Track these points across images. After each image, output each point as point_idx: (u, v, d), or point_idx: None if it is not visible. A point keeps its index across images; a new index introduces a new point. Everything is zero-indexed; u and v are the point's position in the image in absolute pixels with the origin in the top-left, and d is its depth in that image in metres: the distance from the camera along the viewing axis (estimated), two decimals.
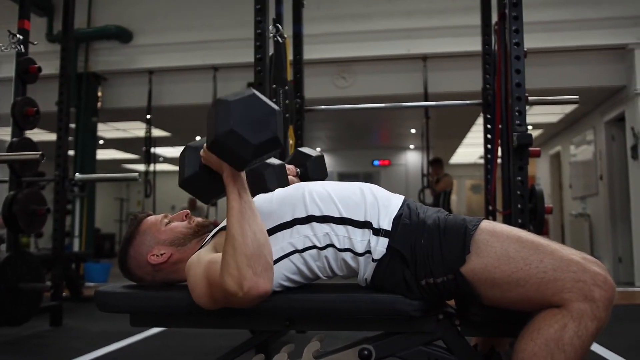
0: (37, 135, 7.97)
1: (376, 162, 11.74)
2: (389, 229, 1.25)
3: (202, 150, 1.23)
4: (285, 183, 1.53)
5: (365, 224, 1.26)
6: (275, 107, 1.15)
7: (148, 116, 7.11)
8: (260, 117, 1.11)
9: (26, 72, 3.89)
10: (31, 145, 3.68)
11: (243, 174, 1.19)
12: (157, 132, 8.62)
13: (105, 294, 1.38)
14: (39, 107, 3.75)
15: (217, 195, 1.29)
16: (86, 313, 4.36)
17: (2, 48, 3.93)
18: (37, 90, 3.91)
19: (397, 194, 1.36)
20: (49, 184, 4.16)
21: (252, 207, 1.17)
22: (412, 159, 11.47)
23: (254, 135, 1.09)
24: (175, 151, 11.65)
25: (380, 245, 1.23)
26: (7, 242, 3.53)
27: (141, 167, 8.27)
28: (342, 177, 11.69)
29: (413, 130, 9.70)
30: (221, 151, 1.13)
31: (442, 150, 10.30)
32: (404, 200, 1.33)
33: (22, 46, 3.93)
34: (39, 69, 3.94)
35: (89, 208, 6.66)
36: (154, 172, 7.59)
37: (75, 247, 5.71)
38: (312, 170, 1.78)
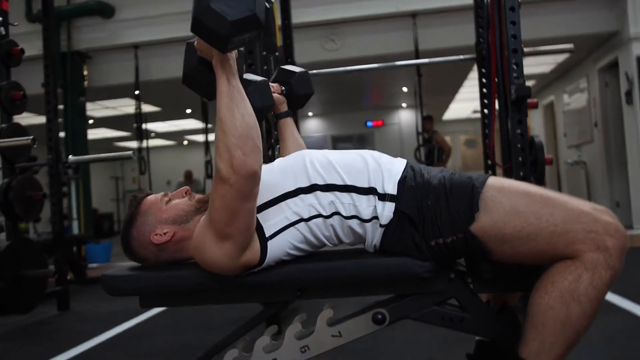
0: (25, 119, 7.86)
1: (369, 123, 11.67)
2: (395, 192, 1.23)
3: (195, 42, 1.21)
4: (269, 101, 1.50)
5: (369, 190, 1.25)
6: None
7: (136, 92, 7.01)
8: None
9: (9, 55, 3.79)
10: (21, 130, 3.62)
11: (232, 60, 1.17)
12: (147, 108, 8.52)
13: (113, 278, 1.36)
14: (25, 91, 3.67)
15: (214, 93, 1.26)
16: (92, 295, 4.39)
17: None
18: (20, 73, 3.82)
19: (399, 158, 1.34)
20: (42, 168, 4.11)
21: (241, 92, 1.16)
22: (406, 117, 11.42)
23: (231, 10, 1.07)
24: (166, 126, 11.57)
25: (387, 210, 1.22)
26: (7, 230, 3.51)
27: (133, 144, 8.19)
28: (336, 140, 11.65)
29: (405, 89, 9.62)
30: (201, 31, 1.11)
31: (435, 107, 10.24)
32: (407, 163, 1.31)
33: (2, 28, 3.83)
34: (22, 51, 3.84)
35: (85, 189, 6.62)
36: (147, 149, 7.53)
37: (75, 230, 5.69)
38: (297, 87, 1.74)
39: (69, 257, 4.45)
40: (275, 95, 1.64)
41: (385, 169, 1.27)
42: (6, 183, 3.33)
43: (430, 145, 7.19)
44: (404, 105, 11.40)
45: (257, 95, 1.43)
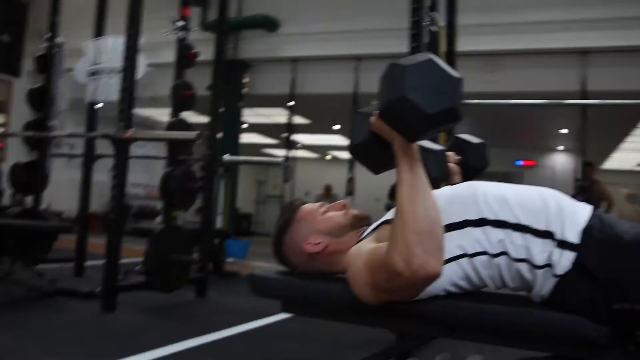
0: (187, 117, 8.57)
1: (519, 162, 11.08)
2: (576, 241, 1.10)
3: (372, 118, 1.17)
4: (445, 171, 1.43)
5: (546, 234, 1.13)
6: (456, 74, 1.03)
7: (290, 103, 7.32)
8: (437, 84, 1.01)
9: (185, 57, 4.15)
10: (186, 125, 3.94)
11: (415, 144, 1.11)
12: (297, 119, 8.88)
13: (261, 279, 1.38)
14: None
15: (386, 166, 1.21)
16: (227, 287, 4.58)
17: (165, 34, 4.24)
18: (187, 76, 4.16)
19: (583, 204, 1.20)
20: (197, 164, 4.41)
21: (424, 181, 1.09)
22: (561, 161, 10.67)
23: (430, 103, 1.00)
24: (313, 139, 11.95)
25: (564, 260, 1.10)
26: (163, 215, 3.81)
27: (279, 152, 8.54)
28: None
29: (564, 131, 9.00)
30: (392, 119, 1.05)
31: (596, 154, 9.46)
32: (593, 211, 1.17)
33: (183, 32, 4.20)
34: (197, 55, 4.19)
35: (232, 188, 7.01)
36: (293, 158, 7.82)
37: (218, 224, 6.02)
38: (473, 158, 1.65)
39: (211, 248, 4.70)
40: (450, 165, 1.56)
41: (568, 213, 1.15)
42: (169, 172, 3.63)
43: (588, 194, 6.59)
44: (560, 147, 10.69)
45: (435, 166, 1.37)
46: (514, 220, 1.15)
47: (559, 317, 1.11)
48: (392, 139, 1.11)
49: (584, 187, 6.61)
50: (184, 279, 3.65)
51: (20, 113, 5.73)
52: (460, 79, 1.04)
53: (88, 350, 2.41)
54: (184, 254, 3.59)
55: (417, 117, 1.01)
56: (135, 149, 3.65)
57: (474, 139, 1.69)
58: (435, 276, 1.04)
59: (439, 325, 1.21)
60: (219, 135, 4.40)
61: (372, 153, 1.20)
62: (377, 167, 1.23)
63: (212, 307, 3.67)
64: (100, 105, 4.26)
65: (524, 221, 1.14)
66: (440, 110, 1.01)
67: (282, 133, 7.78)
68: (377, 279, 1.11)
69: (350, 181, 7.34)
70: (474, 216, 1.17)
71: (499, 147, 10.95)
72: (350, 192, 7.26)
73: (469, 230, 1.17)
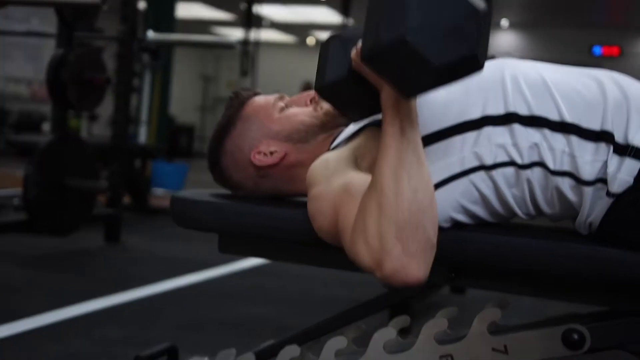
0: None
1: (597, 49, 11.12)
2: None
3: (354, 52, 1.16)
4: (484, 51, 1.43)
5: (601, 136, 1.15)
6: (479, 5, 1.02)
7: None
8: (452, 21, 1.01)
9: None
10: None
11: (413, 100, 1.11)
12: None
13: (187, 203, 1.40)
14: None
15: (367, 114, 1.25)
16: (151, 229, 4.67)
17: None
18: None
19: None
20: (109, 46, 4.34)
21: (419, 153, 1.10)
22: None
23: (440, 51, 0.99)
24: (287, 13, 11.77)
25: (624, 171, 1.13)
26: (52, 121, 3.79)
27: (238, 32, 8.47)
28: None
29: None
30: (383, 68, 1.06)
31: None
32: None
33: None
34: None
35: (163, 86, 6.95)
36: (257, 42, 7.75)
37: (142, 138, 6.03)
38: None
39: (128, 172, 4.69)
40: None
41: (635, 106, 1.17)
42: (60, 55, 3.56)
43: None
44: None
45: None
46: (555, 117, 1.17)
47: (616, 254, 1.15)
48: (380, 87, 1.12)
49: None
50: (86, 217, 3.69)
51: None
52: (487, 11, 1.02)
53: None
54: (86, 180, 3.60)
55: (421, 68, 1.01)
56: (13, 24, 3.57)
57: None
58: (416, 282, 1.06)
59: (438, 267, 1.25)
60: (142, 3, 4.32)
61: (349, 96, 1.21)
62: (354, 113, 1.26)
63: (128, 257, 3.75)
64: None
65: (570, 118, 1.16)
66: (454, 60, 1.01)
67: (241, 3, 7.65)
68: (343, 242, 1.15)
69: None
70: (499, 110, 1.19)
71: (568, 28, 10.96)
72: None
73: (488, 130, 1.18)
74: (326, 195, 1.20)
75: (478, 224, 1.25)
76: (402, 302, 1.82)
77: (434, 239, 1.07)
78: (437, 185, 1.18)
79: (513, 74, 1.23)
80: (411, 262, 1.04)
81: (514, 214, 1.24)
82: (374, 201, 1.08)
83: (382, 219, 1.06)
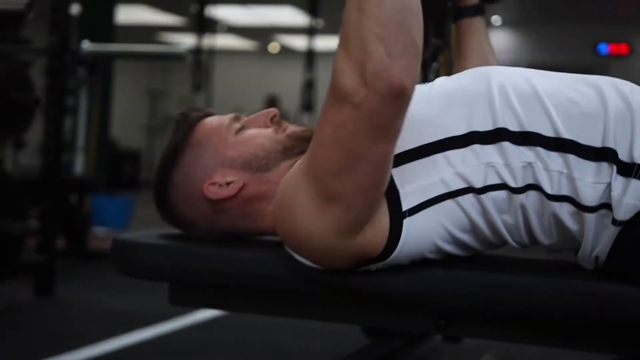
0: None
1: (603, 47, 11.25)
2: None
3: None
4: None
5: (602, 153, 1.20)
6: None
7: None
8: None
9: None
10: None
11: None
12: None
13: (131, 247, 1.43)
14: None
15: None
16: (91, 277, 4.63)
17: None
18: None
19: None
20: (38, 60, 4.35)
21: None
22: None
23: None
24: (246, 15, 11.79)
25: (631, 195, 1.17)
26: None
27: (189, 39, 8.50)
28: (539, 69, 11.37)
29: None
30: None
31: None
32: None
33: None
34: None
35: (103, 105, 6.92)
36: (211, 51, 7.76)
37: (78, 168, 5.98)
38: None
39: (62, 210, 4.69)
40: None
41: None
42: None
43: None
44: None
45: None
46: (549, 133, 1.21)
47: (628, 293, 1.18)
48: None
49: None
50: (12, 266, 3.68)
51: None
52: None
53: None
54: (11, 221, 3.60)
55: None
56: None
57: None
58: (400, 90, 1.11)
59: (425, 313, 1.29)
60: (75, 8, 4.34)
61: None
62: None
63: (63, 312, 3.72)
64: None
65: (567, 133, 1.21)
66: None
67: (191, 5, 7.69)
68: (320, 172, 1.19)
69: (309, 87, 7.37)
70: (485, 125, 1.24)
71: (570, 23, 11.08)
72: (308, 105, 7.31)
73: (475, 148, 1.23)
74: (293, 185, 1.26)
75: (467, 258, 1.28)
76: (388, 356, 1.85)
77: (420, 44, 1.13)
78: (419, 208, 1.22)
79: (501, 83, 1.28)
80: (393, 64, 1.10)
81: (505, 242, 1.28)
82: (354, 8, 1.12)
83: (363, 20, 1.10)
